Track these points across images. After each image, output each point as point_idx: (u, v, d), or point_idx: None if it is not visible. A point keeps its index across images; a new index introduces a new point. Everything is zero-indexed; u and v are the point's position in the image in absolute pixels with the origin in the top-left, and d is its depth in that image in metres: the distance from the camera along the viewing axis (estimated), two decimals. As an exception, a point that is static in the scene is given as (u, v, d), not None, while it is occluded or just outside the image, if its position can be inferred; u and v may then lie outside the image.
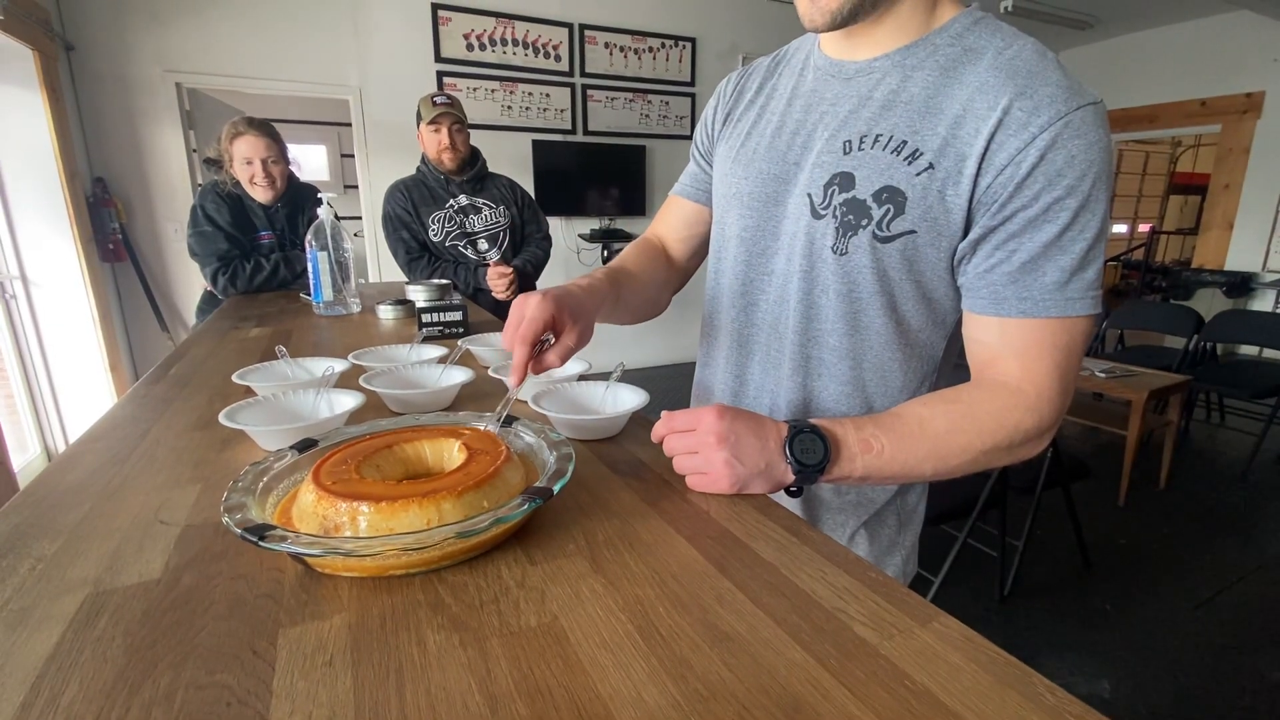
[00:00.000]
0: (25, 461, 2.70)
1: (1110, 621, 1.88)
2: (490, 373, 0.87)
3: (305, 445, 0.57)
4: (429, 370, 0.87)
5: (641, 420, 0.74)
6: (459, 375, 0.83)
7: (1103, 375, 2.60)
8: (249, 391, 0.83)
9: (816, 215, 0.63)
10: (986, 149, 0.54)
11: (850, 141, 0.61)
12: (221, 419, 0.66)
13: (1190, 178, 8.26)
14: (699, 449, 0.54)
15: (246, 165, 1.77)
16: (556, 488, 0.48)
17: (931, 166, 0.57)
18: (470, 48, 3.80)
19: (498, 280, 2.04)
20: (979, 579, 2.03)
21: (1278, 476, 2.92)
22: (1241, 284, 4.88)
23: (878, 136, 0.60)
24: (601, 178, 4.30)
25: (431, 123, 1.97)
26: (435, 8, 3.66)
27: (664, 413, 0.58)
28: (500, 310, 2.06)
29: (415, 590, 0.43)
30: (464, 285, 2.06)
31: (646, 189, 4.49)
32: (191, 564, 0.46)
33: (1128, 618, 1.90)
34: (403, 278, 2.20)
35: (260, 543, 0.41)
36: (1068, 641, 1.80)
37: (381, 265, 3.80)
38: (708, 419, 0.54)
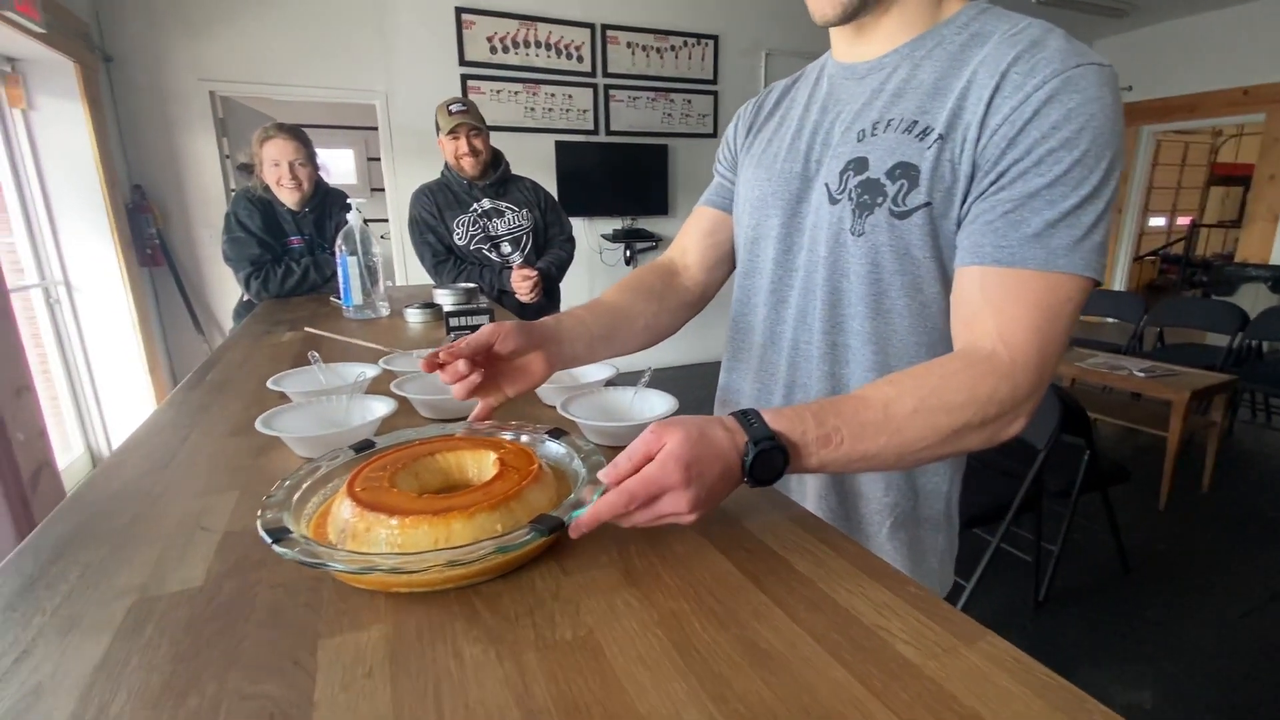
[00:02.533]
0: (69, 461, 2.79)
1: (1151, 629, 1.82)
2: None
3: (363, 446, 0.59)
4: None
5: (670, 426, 0.74)
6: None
7: (1141, 374, 2.52)
8: (283, 397, 0.84)
9: (833, 201, 0.64)
10: (986, 112, 0.54)
11: (864, 130, 0.62)
12: (258, 426, 0.67)
13: (1232, 169, 7.96)
14: (665, 517, 0.45)
15: (274, 167, 1.81)
16: (570, 517, 0.45)
17: (942, 138, 0.57)
18: (493, 50, 3.82)
19: (522, 283, 2.05)
20: (1013, 584, 1.99)
21: (1329, 480, 2.80)
22: (1288, 279, 4.69)
23: (889, 121, 0.61)
24: (624, 178, 4.30)
25: (450, 133, 1.99)
26: (459, 11, 3.69)
27: (605, 475, 0.46)
28: (524, 312, 2.07)
29: (450, 602, 0.43)
30: (489, 288, 2.07)
31: (669, 188, 4.48)
32: (232, 571, 0.47)
33: (1170, 626, 1.84)
34: (429, 280, 2.23)
35: (274, 545, 0.42)
36: (1106, 650, 1.74)
37: (408, 268, 3.85)
38: (674, 485, 0.44)
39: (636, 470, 0.45)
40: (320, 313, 1.65)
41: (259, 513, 0.46)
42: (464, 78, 3.79)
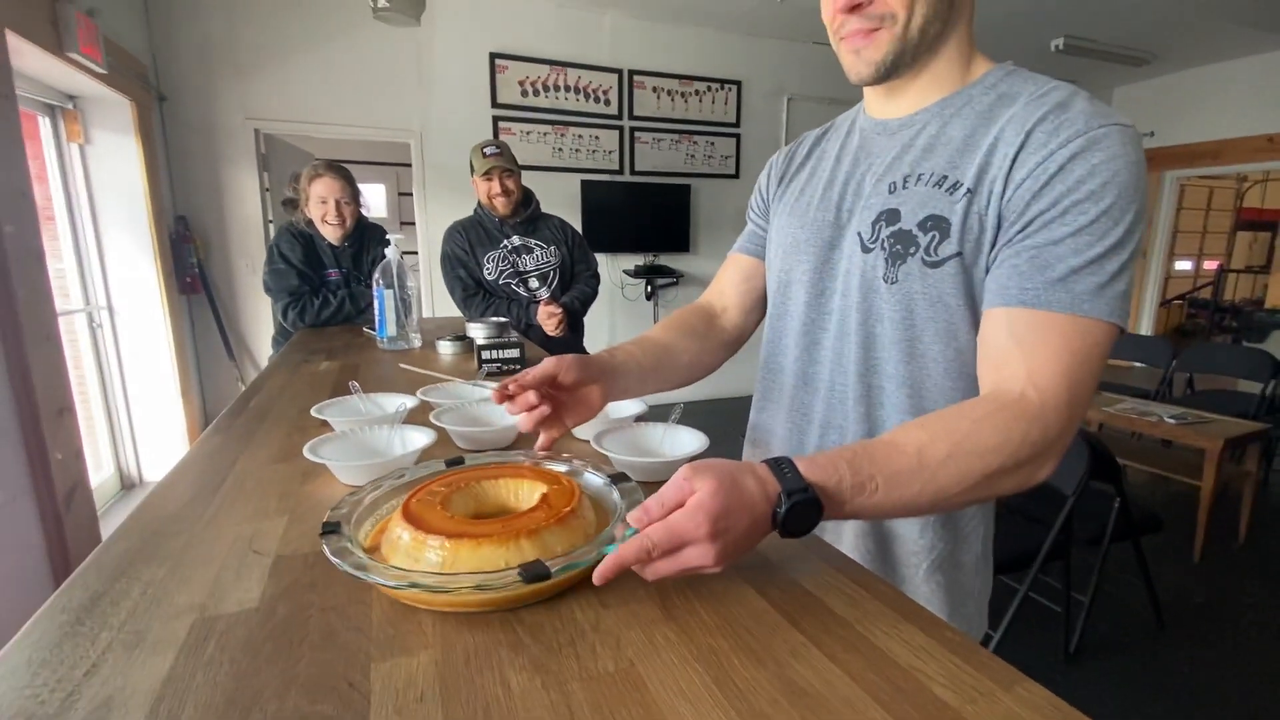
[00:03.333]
0: (99, 481, 2.85)
1: (1187, 688, 1.75)
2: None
3: (454, 461, 0.65)
4: (493, 408, 0.90)
5: (700, 463, 0.75)
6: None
7: (1172, 421, 2.48)
8: (325, 425, 0.87)
9: (865, 249, 0.66)
10: (1011, 167, 0.57)
11: (895, 183, 0.65)
12: (306, 453, 0.70)
13: (1259, 213, 7.89)
14: (688, 568, 0.45)
15: (321, 204, 1.90)
16: (585, 561, 0.46)
17: (970, 192, 0.59)
18: (524, 94, 3.97)
19: (547, 319, 2.10)
20: (1042, 635, 1.93)
21: (1374, 535, 2.70)
22: (1322, 326, 4.60)
23: (920, 175, 0.63)
24: (647, 216, 4.39)
25: (484, 174, 2.06)
26: (493, 57, 3.85)
27: (634, 517, 0.46)
28: (550, 345, 2.11)
29: (495, 629, 0.44)
30: (516, 321, 2.12)
31: (691, 226, 4.56)
32: (285, 594, 0.49)
33: (1206, 685, 1.76)
34: (454, 312, 2.28)
35: (323, 539, 0.48)
36: (1139, 708, 1.68)
37: (435, 300, 3.94)
38: (699, 538, 0.43)
39: (666, 515, 0.45)
40: (354, 343, 1.70)
41: (325, 517, 0.49)
42: (495, 119, 3.93)
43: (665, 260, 4.52)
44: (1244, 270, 7.89)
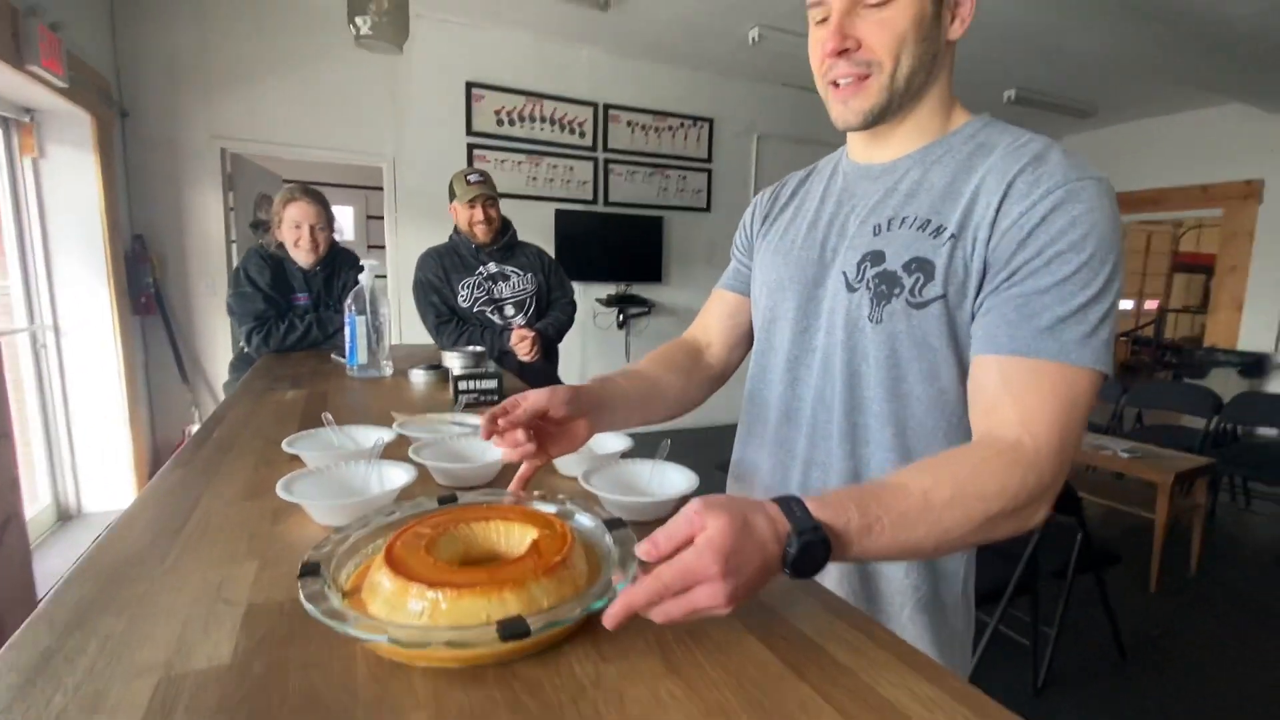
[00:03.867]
0: (35, 512, 2.67)
1: (1151, 717, 1.78)
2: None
3: (446, 499, 0.62)
4: (474, 442, 0.87)
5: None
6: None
7: (1125, 455, 2.57)
8: (296, 459, 0.84)
9: (850, 289, 0.68)
10: (996, 216, 0.59)
11: (880, 225, 0.67)
12: (279, 492, 0.66)
13: (1194, 257, 8.39)
14: (700, 610, 0.43)
15: (295, 229, 1.86)
16: (569, 619, 0.44)
17: (955, 237, 0.61)
18: (500, 123, 4.00)
19: (520, 344, 2.08)
20: (1010, 668, 1.94)
21: (1313, 566, 2.83)
22: (1256, 365, 4.87)
23: (904, 219, 0.65)
24: (620, 246, 4.42)
25: (468, 201, 2.06)
26: (469, 85, 3.88)
27: (642, 550, 0.45)
28: (525, 372, 2.08)
29: (489, 685, 0.42)
30: (490, 348, 2.09)
31: (663, 257, 4.61)
32: (260, 648, 0.45)
33: (1168, 712, 1.80)
34: (424, 339, 2.24)
35: (300, 581, 0.45)
36: (1108, 741, 1.70)
37: (403, 326, 3.87)
38: (710, 577, 0.42)
39: (676, 550, 0.44)
40: (321, 370, 1.65)
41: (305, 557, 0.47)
42: (470, 146, 3.93)
43: (637, 290, 4.55)
44: (1182, 310, 8.35)
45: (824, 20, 0.64)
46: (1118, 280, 0.56)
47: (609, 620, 0.43)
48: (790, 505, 0.47)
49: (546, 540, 0.53)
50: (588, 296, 4.41)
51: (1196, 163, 5.23)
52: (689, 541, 0.44)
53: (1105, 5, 3.20)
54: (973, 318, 0.62)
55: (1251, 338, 5.06)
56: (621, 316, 4.52)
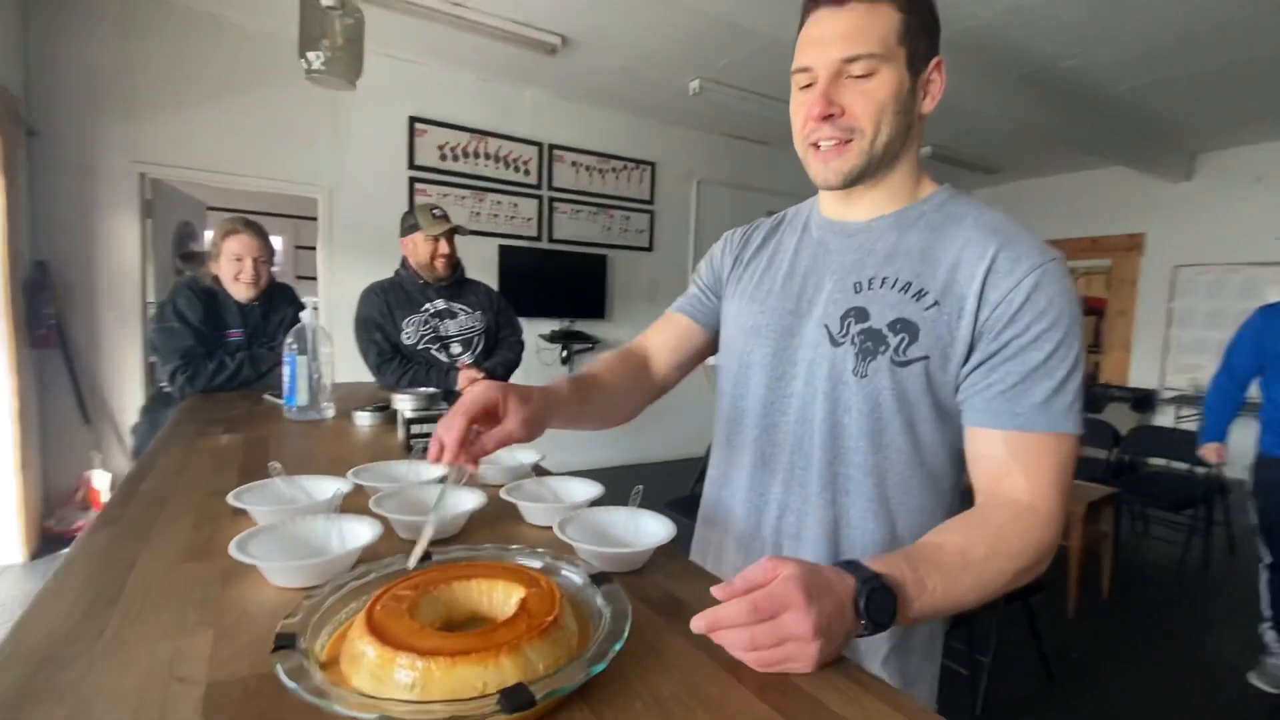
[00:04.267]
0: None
1: (1080, 742, 1.87)
2: (503, 494, 0.85)
3: (420, 558, 0.58)
4: (436, 492, 0.84)
5: (665, 550, 0.74)
6: (471, 500, 0.81)
7: (1043, 487, 2.74)
8: (238, 513, 0.78)
9: (835, 343, 0.71)
10: (983, 288, 0.64)
11: (860, 283, 0.71)
12: (233, 552, 0.61)
13: (1088, 301, 9.23)
14: (788, 639, 0.47)
15: (236, 262, 1.78)
16: (572, 685, 0.43)
17: (938, 304, 0.66)
18: (443, 158, 3.97)
19: (468, 384, 2.03)
20: (948, 698, 2.00)
21: (1207, 584, 3.09)
22: (1146, 400, 5.37)
23: (885, 279, 0.70)
24: (564, 282, 4.44)
25: (435, 236, 2.03)
26: (413, 120, 3.84)
27: (719, 590, 0.49)
28: (471, 414, 2.03)
29: (489, 762, 0.40)
30: (435, 387, 2.03)
31: (607, 294, 4.65)
32: (229, 734, 0.42)
33: (1095, 738, 1.90)
34: (364, 378, 2.16)
35: (275, 657, 0.42)
36: (1043, 766, 1.77)
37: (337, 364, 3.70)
38: (795, 604, 0.46)
39: (750, 591, 0.48)
40: (256, 412, 1.55)
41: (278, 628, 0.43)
42: (412, 180, 3.88)
43: (581, 326, 4.56)
44: (1079, 349, 9.11)
45: (808, 86, 0.69)
46: (1083, 348, 0.65)
47: (695, 624, 0.48)
48: (848, 564, 0.52)
49: (534, 599, 0.52)
50: (531, 332, 4.37)
51: (1087, 217, 5.80)
52: (764, 585, 0.48)
53: (1006, 78, 3.55)
54: (957, 382, 0.67)
55: (1140, 375, 5.58)
56: (565, 352, 4.50)
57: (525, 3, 3.10)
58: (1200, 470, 3.30)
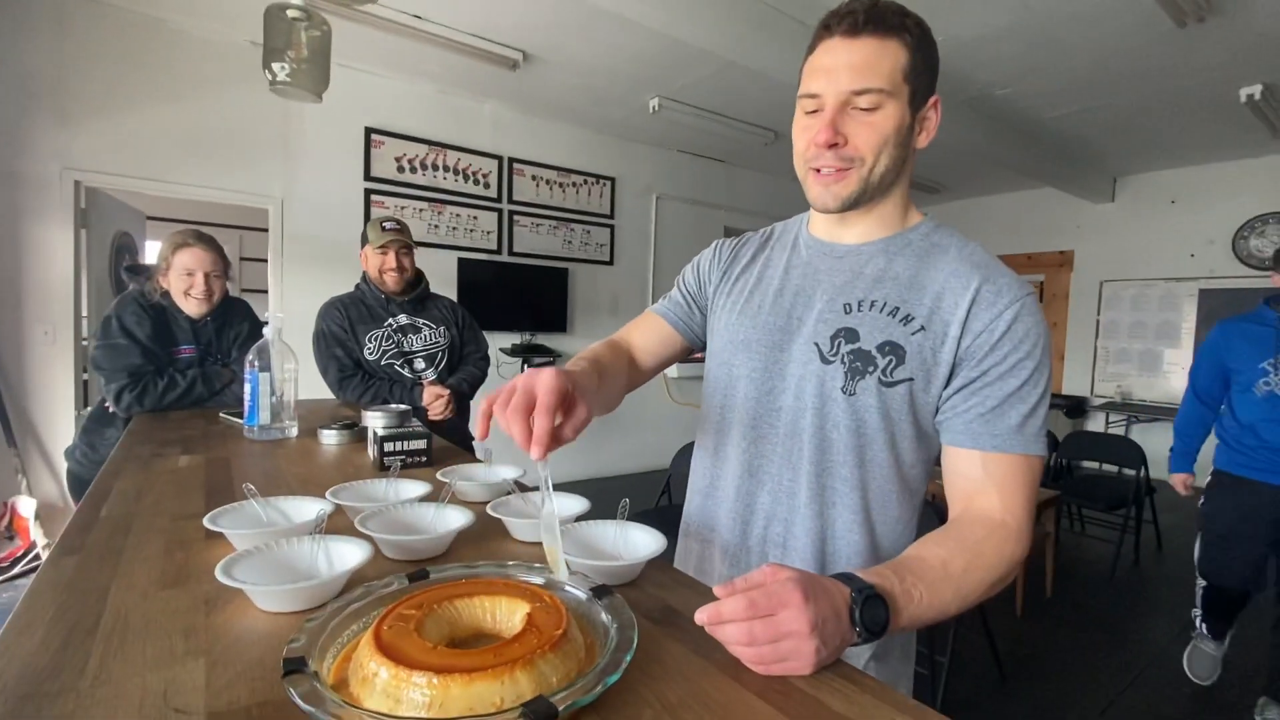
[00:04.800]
0: None
1: (1031, 735, 1.97)
2: (489, 510, 0.85)
3: (417, 576, 0.59)
4: (421, 511, 0.84)
5: (654, 562, 0.75)
6: (459, 518, 0.81)
7: (990, 491, 2.88)
8: (211, 536, 0.76)
9: (825, 361, 0.74)
10: (967, 317, 0.69)
11: (850, 304, 0.75)
12: (219, 576, 0.60)
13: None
14: (786, 636, 0.49)
15: (187, 276, 1.70)
16: (590, 697, 0.44)
17: (924, 329, 0.70)
18: (400, 170, 3.91)
19: (434, 400, 2.00)
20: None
21: (1137, 579, 3.29)
22: (1078, 406, 5.69)
23: (873, 302, 0.74)
24: (525, 296, 4.41)
25: (381, 248, 1.99)
26: (369, 131, 3.78)
27: (720, 589, 0.52)
28: (436, 428, 1.99)
29: (510, 775, 0.41)
30: (398, 404, 1.99)
31: (568, 308, 4.65)
32: (240, 763, 0.41)
33: (1045, 729, 1.99)
34: (326, 395, 2.10)
35: (287, 682, 0.42)
36: (999, 760, 1.84)
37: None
38: (793, 602, 0.49)
39: (750, 590, 0.51)
40: (212, 432, 1.50)
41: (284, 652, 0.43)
42: (369, 191, 3.81)
43: (543, 340, 4.53)
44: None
45: (814, 111, 0.71)
46: (1050, 376, 0.70)
47: (698, 617, 0.52)
48: (841, 575, 0.56)
49: (540, 614, 0.53)
50: (492, 346, 4.31)
51: (1022, 235, 6.15)
52: (763, 586, 0.51)
53: (949, 103, 3.74)
54: (937, 404, 0.72)
55: (1072, 383, 5.92)
56: (526, 366, 4.46)
57: (486, 18, 3.11)
58: (1129, 472, 3.52)
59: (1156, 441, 5.31)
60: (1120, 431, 5.41)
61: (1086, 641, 2.57)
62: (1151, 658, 2.46)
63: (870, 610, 0.54)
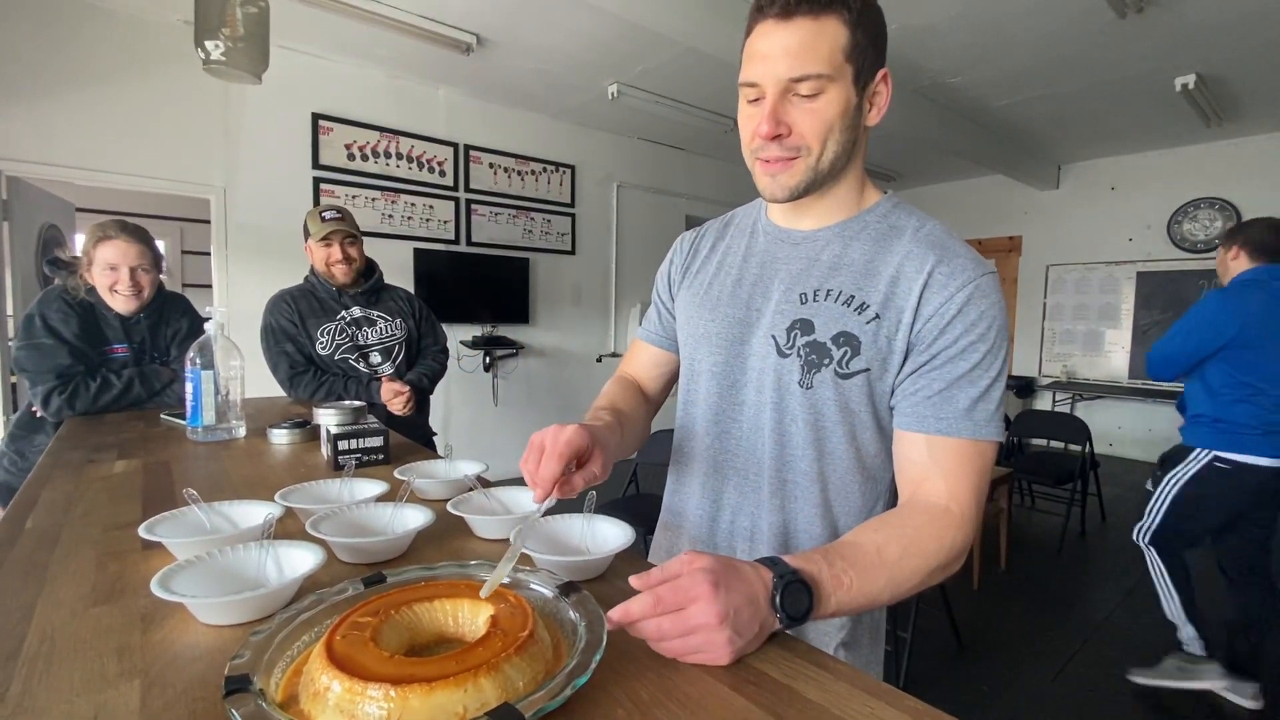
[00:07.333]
0: None
1: (988, 701, 2.04)
2: (449, 508, 0.82)
3: (373, 580, 0.56)
4: (378, 511, 0.80)
5: (623, 554, 0.74)
6: (418, 517, 0.78)
7: (947, 470, 2.96)
8: (149, 547, 0.71)
9: (782, 354, 0.73)
10: (919, 302, 0.68)
11: (805, 294, 0.73)
12: (155, 589, 0.56)
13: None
14: (695, 630, 0.49)
15: (110, 271, 1.58)
16: (559, 700, 0.42)
17: (878, 317, 0.69)
18: (351, 158, 3.77)
19: (394, 398, 1.94)
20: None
21: (1084, 550, 3.45)
22: (1027, 386, 5.92)
23: (829, 291, 0.72)
24: (485, 287, 4.33)
25: (322, 239, 1.91)
26: (316, 117, 3.63)
27: (635, 580, 0.52)
28: (393, 423, 1.93)
29: (475, 787, 0.39)
30: (356, 400, 1.92)
31: (530, 298, 4.58)
32: (178, 792, 0.38)
33: (999, 696, 2.07)
34: (276, 392, 2.01)
35: (229, 702, 0.39)
36: (960, 729, 1.91)
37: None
38: (702, 595, 0.48)
39: (663, 583, 0.50)
40: (151, 434, 1.41)
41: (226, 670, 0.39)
42: (317, 180, 3.67)
43: (505, 331, 4.46)
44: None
45: (756, 100, 0.68)
46: (1006, 360, 0.68)
47: (610, 621, 0.50)
48: (767, 559, 0.54)
49: (505, 615, 0.51)
50: (453, 338, 4.24)
51: (974, 221, 6.33)
52: (677, 578, 0.50)
53: (902, 92, 3.81)
54: (892, 389, 0.70)
55: (1021, 365, 6.14)
56: (488, 359, 4.39)
57: (438, 0, 3.00)
58: (1075, 448, 3.67)
59: (1100, 418, 5.57)
60: (1066, 409, 5.65)
61: (1039, 613, 2.68)
62: (1097, 624, 2.58)
63: (792, 596, 0.52)
